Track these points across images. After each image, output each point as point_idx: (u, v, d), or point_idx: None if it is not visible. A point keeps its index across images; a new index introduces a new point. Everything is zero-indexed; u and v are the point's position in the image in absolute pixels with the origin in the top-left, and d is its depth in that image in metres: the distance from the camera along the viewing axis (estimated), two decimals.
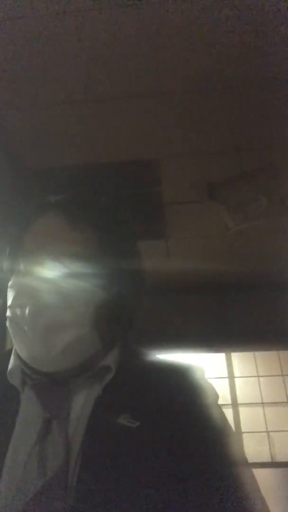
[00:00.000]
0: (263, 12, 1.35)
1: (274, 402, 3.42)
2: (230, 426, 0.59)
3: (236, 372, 3.54)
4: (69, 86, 1.63)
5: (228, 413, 3.29)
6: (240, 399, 3.41)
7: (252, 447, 3.24)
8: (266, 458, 3.21)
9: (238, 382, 3.49)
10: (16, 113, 1.75)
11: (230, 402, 3.38)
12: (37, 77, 1.58)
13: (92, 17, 1.36)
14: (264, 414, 3.39)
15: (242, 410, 3.36)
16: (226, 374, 3.51)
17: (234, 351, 3.58)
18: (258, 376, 3.54)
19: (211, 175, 2.13)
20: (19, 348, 0.58)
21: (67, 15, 1.35)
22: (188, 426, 0.55)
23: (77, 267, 0.58)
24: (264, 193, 2.04)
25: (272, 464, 3.16)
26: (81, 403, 0.56)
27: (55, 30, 1.40)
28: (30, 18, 1.36)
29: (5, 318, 0.59)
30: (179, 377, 0.61)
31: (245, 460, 0.57)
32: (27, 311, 0.55)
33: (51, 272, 0.57)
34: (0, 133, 1.85)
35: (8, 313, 0.58)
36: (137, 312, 0.67)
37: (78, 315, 0.56)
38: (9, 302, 0.58)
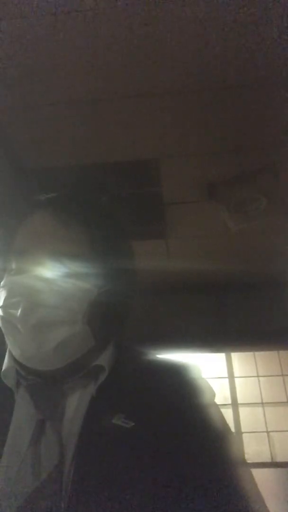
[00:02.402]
0: (263, 11, 1.35)
1: (274, 402, 3.42)
2: (228, 425, 0.59)
3: (236, 372, 3.54)
4: (69, 86, 1.63)
5: (228, 413, 3.29)
6: (240, 399, 3.40)
7: (252, 447, 3.24)
8: (266, 458, 3.21)
9: (238, 382, 3.49)
10: (16, 113, 1.75)
11: (230, 402, 3.38)
12: (37, 77, 1.58)
13: (92, 17, 1.36)
14: (264, 414, 3.38)
15: (242, 410, 3.36)
16: (226, 374, 3.50)
17: (234, 351, 3.58)
18: (258, 376, 3.53)
19: (211, 175, 2.13)
20: (12, 347, 0.58)
21: (67, 15, 1.35)
22: (184, 426, 0.54)
23: (69, 265, 0.58)
24: (264, 193, 2.04)
25: (272, 464, 3.16)
26: (75, 403, 0.56)
27: (55, 30, 1.40)
28: (30, 18, 1.36)
29: None
30: (175, 376, 0.60)
31: (245, 460, 0.57)
32: (19, 309, 0.55)
33: (43, 271, 0.57)
34: (0, 133, 1.85)
35: (0, 312, 0.58)
36: (129, 311, 0.67)
37: (70, 312, 0.56)
38: (0, 302, 0.58)
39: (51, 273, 0.57)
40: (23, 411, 0.56)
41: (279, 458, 3.20)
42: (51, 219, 0.61)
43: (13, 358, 0.59)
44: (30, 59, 1.50)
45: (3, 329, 0.58)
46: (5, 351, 0.62)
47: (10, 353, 0.60)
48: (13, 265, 0.60)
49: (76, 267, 0.58)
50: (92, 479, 0.49)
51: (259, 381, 3.52)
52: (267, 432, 3.31)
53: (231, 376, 3.50)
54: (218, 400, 0.62)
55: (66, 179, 2.10)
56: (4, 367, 0.60)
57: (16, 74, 1.56)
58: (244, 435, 3.26)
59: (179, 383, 0.59)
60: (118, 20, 1.37)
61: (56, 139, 1.91)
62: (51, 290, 0.56)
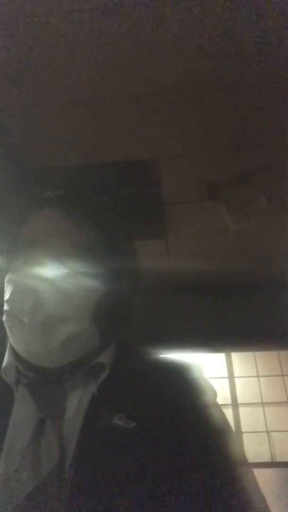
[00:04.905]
0: (263, 11, 1.35)
1: (274, 402, 3.42)
2: (229, 425, 0.59)
3: (236, 372, 3.54)
4: (69, 86, 1.63)
5: (228, 413, 3.28)
6: (240, 399, 3.40)
7: (252, 447, 3.24)
8: (266, 458, 3.21)
9: (238, 382, 3.49)
10: (16, 113, 1.75)
11: (230, 402, 3.38)
12: (37, 77, 1.58)
13: (92, 17, 1.36)
14: (264, 414, 3.38)
15: (242, 410, 3.36)
16: (226, 374, 3.50)
17: (234, 351, 3.58)
18: (258, 376, 3.53)
19: (211, 175, 2.13)
20: (16, 342, 0.57)
21: (67, 16, 1.35)
22: (186, 426, 0.54)
23: (76, 262, 0.58)
24: (264, 193, 2.04)
25: (272, 464, 3.16)
26: (76, 402, 0.56)
27: (55, 30, 1.40)
28: (30, 19, 1.36)
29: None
30: (176, 376, 0.60)
31: (245, 460, 0.57)
32: (27, 304, 0.54)
33: (49, 267, 0.57)
34: (0, 133, 1.85)
35: (5, 306, 0.57)
36: (133, 310, 0.67)
37: (78, 309, 0.56)
38: (6, 297, 0.57)
39: (57, 271, 0.57)
40: (23, 409, 0.55)
41: (279, 458, 3.20)
42: (58, 216, 0.60)
43: (13, 355, 0.59)
44: (30, 59, 1.50)
45: (7, 323, 0.58)
46: (5, 351, 0.61)
47: (11, 349, 0.59)
48: (18, 262, 0.59)
49: (80, 265, 0.58)
50: (92, 479, 0.49)
51: (259, 381, 3.51)
52: (267, 432, 3.31)
53: (231, 376, 3.50)
54: (218, 400, 0.61)
55: (66, 179, 2.10)
56: (4, 364, 0.59)
57: (16, 74, 1.56)
58: (244, 435, 3.26)
59: (180, 383, 0.59)
60: (118, 20, 1.37)
61: (56, 139, 1.91)
62: (59, 287, 0.56)
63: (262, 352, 3.58)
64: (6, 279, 0.59)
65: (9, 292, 0.57)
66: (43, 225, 0.61)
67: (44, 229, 0.60)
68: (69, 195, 0.67)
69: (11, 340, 0.59)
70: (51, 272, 0.56)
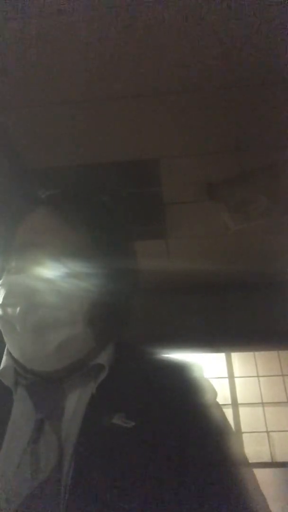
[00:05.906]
0: (264, 11, 1.35)
1: (274, 402, 3.42)
2: (229, 425, 0.58)
3: (236, 372, 3.54)
4: (69, 86, 1.63)
5: (228, 413, 3.28)
6: (240, 399, 3.40)
7: (252, 447, 3.24)
8: (266, 458, 3.21)
9: (238, 382, 3.49)
10: (16, 113, 1.75)
11: (230, 402, 3.38)
12: (37, 77, 1.58)
13: (92, 17, 1.36)
14: (264, 414, 3.38)
15: (242, 410, 3.36)
16: (226, 374, 3.50)
17: (234, 351, 3.58)
18: (258, 376, 3.53)
19: (211, 175, 2.13)
20: (11, 347, 0.57)
21: (67, 15, 1.35)
22: (186, 425, 0.54)
23: (70, 264, 0.57)
24: (264, 193, 2.04)
25: (272, 464, 3.16)
26: (75, 403, 0.55)
27: (55, 30, 1.40)
28: (30, 18, 1.36)
29: None
30: (176, 375, 0.60)
31: (245, 460, 0.57)
32: (18, 309, 0.54)
33: (43, 270, 0.56)
34: (0, 133, 1.85)
35: None
36: (130, 311, 0.67)
37: (72, 313, 0.55)
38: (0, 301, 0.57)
39: (51, 272, 0.56)
40: (22, 410, 0.55)
41: (279, 458, 3.20)
42: (52, 216, 0.60)
43: (11, 356, 0.58)
44: (30, 59, 1.50)
45: (1, 329, 0.58)
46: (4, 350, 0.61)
47: (9, 351, 0.59)
48: (13, 263, 0.59)
49: (77, 266, 0.57)
50: (91, 480, 0.48)
51: (259, 381, 3.52)
52: (267, 432, 3.31)
53: (231, 376, 3.50)
54: (218, 400, 0.61)
55: (66, 179, 2.10)
56: (2, 366, 0.59)
57: (17, 74, 1.56)
58: (244, 435, 3.26)
59: (180, 382, 0.59)
60: (118, 20, 1.37)
61: (56, 139, 1.91)
62: (51, 290, 0.55)
63: (262, 352, 3.58)
64: (0, 282, 0.59)
65: (2, 296, 0.57)
66: (40, 225, 0.60)
67: (41, 229, 0.59)
68: (66, 194, 0.66)
69: (7, 344, 0.59)
70: (46, 273, 0.56)
